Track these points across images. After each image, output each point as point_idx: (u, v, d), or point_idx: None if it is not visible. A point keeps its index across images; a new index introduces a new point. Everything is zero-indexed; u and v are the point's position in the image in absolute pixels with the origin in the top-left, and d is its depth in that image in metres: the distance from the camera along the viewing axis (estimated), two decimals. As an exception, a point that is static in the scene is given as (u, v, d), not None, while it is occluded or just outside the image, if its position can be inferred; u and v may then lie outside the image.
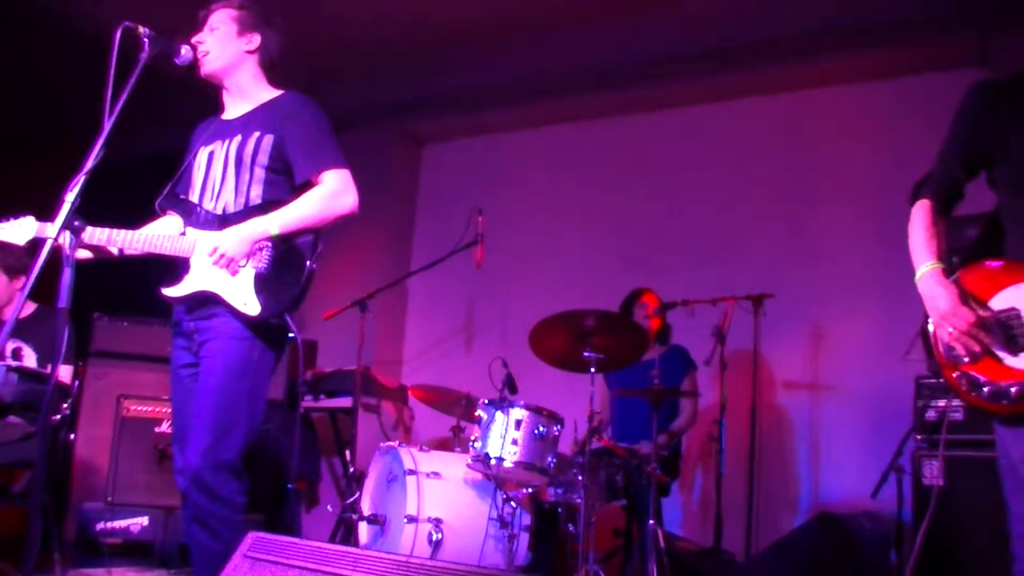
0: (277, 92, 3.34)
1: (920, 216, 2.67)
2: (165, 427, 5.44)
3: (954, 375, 2.48)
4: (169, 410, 5.43)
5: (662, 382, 4.64)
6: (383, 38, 6.50)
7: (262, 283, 3.05)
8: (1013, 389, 2.37)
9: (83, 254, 3.11)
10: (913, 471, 4.33)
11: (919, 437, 4.35)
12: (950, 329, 2.45)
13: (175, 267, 3.16)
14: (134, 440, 5.45)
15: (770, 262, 6.01)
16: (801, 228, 6.08)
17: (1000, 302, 2.45)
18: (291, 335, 3.10)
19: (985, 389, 2.42)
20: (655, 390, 4.58)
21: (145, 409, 5.52)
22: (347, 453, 5.75)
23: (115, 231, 3.08)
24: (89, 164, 2.68)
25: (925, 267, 2.59)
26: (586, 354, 4.32)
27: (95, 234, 3.02)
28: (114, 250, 3.14)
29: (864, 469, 4.94)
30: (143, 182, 3.53)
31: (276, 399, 5.61)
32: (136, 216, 3.35)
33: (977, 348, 2.42)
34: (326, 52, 6.51)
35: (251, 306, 3.02)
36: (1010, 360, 2.39)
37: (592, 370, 4.32)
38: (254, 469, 3.11)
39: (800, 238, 6.07)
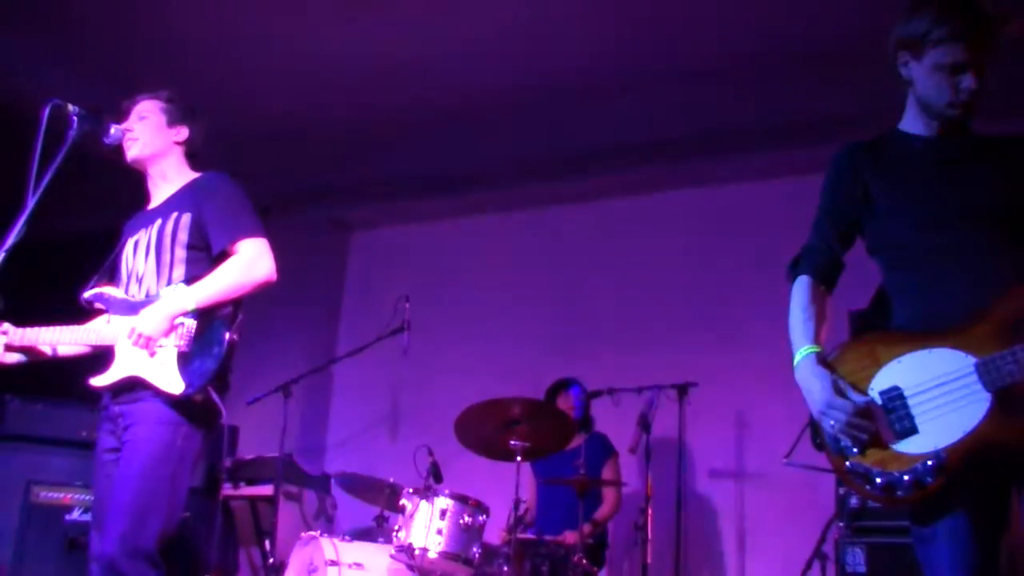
0: (197, 175, 3.37)
1: (798, 294, 2.50)
2: (76, 515, 5.25)
3: (846, 467, 2.29)
4: (82, 497, 5.27)
5: (586, 470, 4.64)
6: (312, 124, 6.54)
7: (184, 360, 3.00)
8: (906, 477, 2.17)
9: (12, 357, 3.09)
10: (836, 558, 4.36)
11: (841, 524, 4.39)
12: (831, 421, 2.26)
13: (103, 355, 3.13)
14: (43, 529, 5.23)
15: (694, 351, 6.08)
16: (724, 318, 6.19)
17: (882, 381, 2.26)
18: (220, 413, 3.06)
19: (878, 480, 2.21)
20: (581, 479, 4.58)
21: (56, 496, 5.31)
22: (267, 543, 5.60)
23: (43, 329, 3.08)
24: (9, 242, 2.64)
25: (801, 352, 2.40)
26: (512, 442, 4.31)
27: (25, 335, 3.03)
28: (47, 350, 3.13)
29: (790, 556, 4.95)
30: (69, 261, 3.49)
31: (194, 486, 5.46)
32: (60, 295, 3.31)
33: (863, 436, 2.23)
34: (256, 137, 6.53)
35: (174, 384, 2.97)
36: (899, 445, 2.20)
37: (518, 458, 4.31)
38: (168, 559, 3.00)
39: (723, 328, 6.17)
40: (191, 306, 3.02)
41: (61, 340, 3.10)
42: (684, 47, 5.57)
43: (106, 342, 3.08)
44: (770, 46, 5.48)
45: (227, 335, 3.03)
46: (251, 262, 3.10)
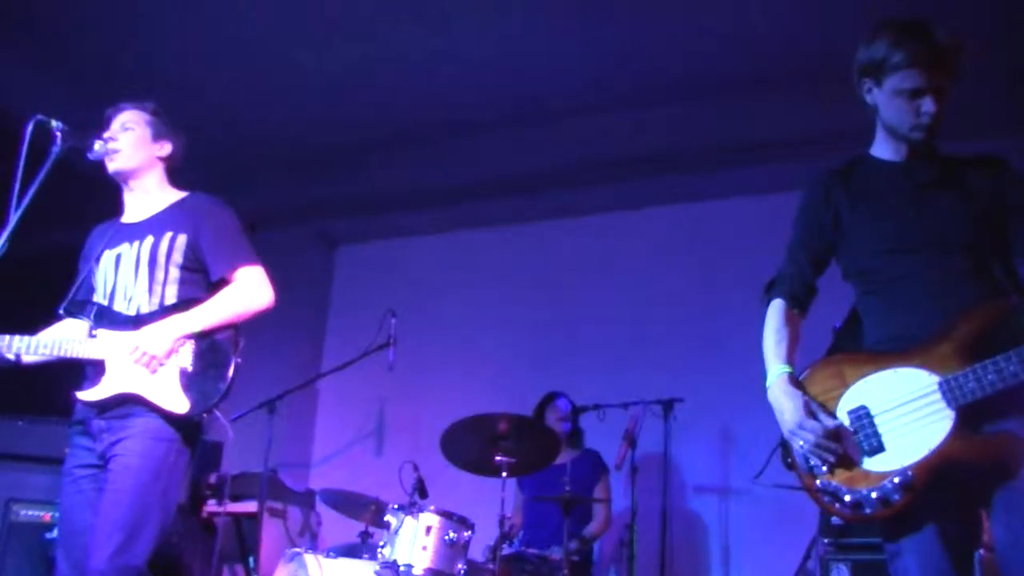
0: (183, 193, 3.36)
1: (772, 317, 2.61)
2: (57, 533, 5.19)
3: (816, 485, 2.35)
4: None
5: (574, 487, 4.62)
6: (298, 139, 6.55)
7: (189, 380, 3.01)
8: (873, 495, 2.23)
9: None
10: (821, 575, 4.35)
11: (826, 541, 4.39)
12: (801, 442, 2.34)
13: (83, 368, 3.10)
14: (23, 547, 5.17)
15: (679, 366, 6.09)
16: (709, 333, 6.19)
17: (850, 400, 2.34)
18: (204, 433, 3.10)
19: (847, 498, 2.27)
20: (567, 496, 4.56)
21: (36, 514, 5.26)
22: (251, 560, 5.56)
23: (17, 337, 3.04)
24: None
25: (773, 373, 2.49)
26: (498, 458, 4.30)
27: None
28: (10, 356, 3.08)
29: (775, 573, 4.95)
30: (42, 278, 3.46)
31: (179, 502, 5.42)
32: (36, 311, 3.27)
33: (831, 457, 2.30)
34: (242, 152, 6.53)
35: (179, 404, 2.98)
36: (867, 463, 2.27)
37: (504, 474, 4.29)
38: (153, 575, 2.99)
39: (709, 343, 6.17)
40: (196, 328, 3.05)
41: (40, 351, 3.06)
42: (669, 63, 5.60)
43: (95, 356, 3.04)
44: (756, 63, 5.51)
45: (233, 358, 3.07)
46: (254, 290, 3.16)
